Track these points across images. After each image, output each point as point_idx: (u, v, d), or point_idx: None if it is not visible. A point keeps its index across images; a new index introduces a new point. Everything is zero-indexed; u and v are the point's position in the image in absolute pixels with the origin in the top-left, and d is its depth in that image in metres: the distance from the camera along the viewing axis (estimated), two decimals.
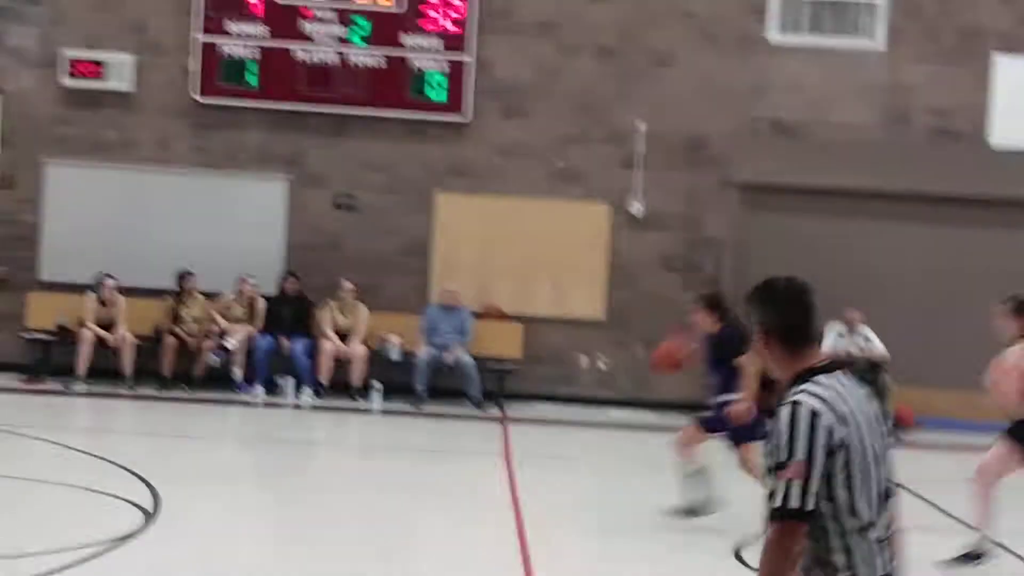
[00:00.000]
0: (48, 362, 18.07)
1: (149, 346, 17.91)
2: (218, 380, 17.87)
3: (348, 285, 18.21)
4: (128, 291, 18.09)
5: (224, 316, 18.19)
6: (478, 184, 18.93)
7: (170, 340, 17.92)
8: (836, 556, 4.43)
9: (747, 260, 18.70)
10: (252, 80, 18.68)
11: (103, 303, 17.95)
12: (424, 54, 18.71)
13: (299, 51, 18.69)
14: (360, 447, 15.99)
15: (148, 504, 10.76)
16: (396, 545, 10.53)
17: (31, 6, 18.78)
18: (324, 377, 17.92)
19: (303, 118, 18.83)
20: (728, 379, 11.20)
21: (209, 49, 18.66)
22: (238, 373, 17.92)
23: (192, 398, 17.41)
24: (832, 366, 4.59)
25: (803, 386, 4.50)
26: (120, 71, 18.68)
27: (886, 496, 4.51)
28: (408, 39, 18.71)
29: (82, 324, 17.85)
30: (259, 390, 17.72)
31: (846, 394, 4.51)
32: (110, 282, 17.92)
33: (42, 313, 18.31)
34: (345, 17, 18.72)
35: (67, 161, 18.73)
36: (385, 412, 17.38)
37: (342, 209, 18.97)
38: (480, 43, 18.84)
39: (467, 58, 18.76)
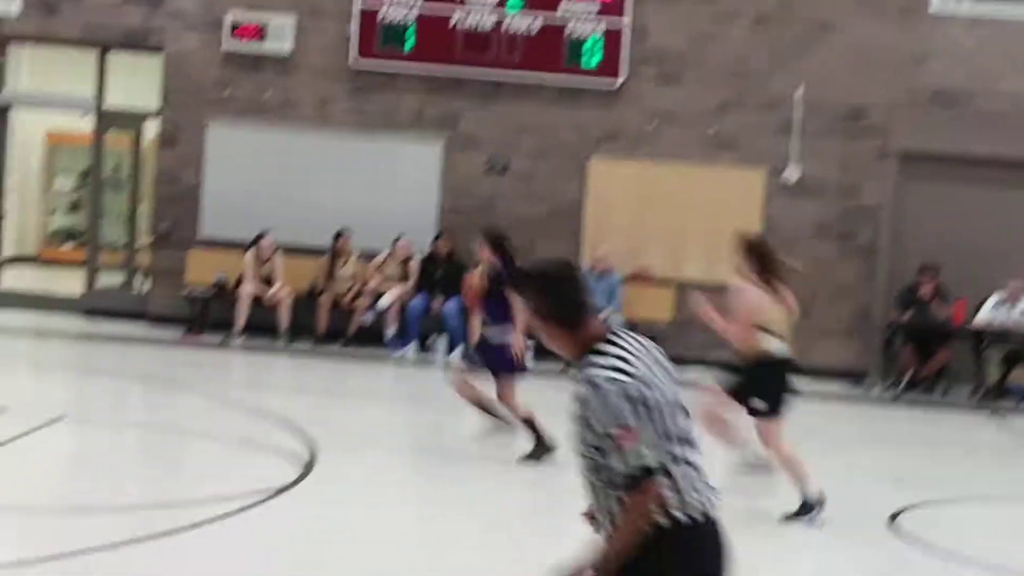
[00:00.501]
0: (207, 317, 18.47)
1: (305, 303, 18.23)
2: (371, 338, 18.13)
3: None
4: (285, 249, 18.42)
5: (378, 275, 18.44)
6: (631, 150, 18.92)
7: (324, 298, 18.23)
8: (670, 496, 4.58)
9: (904, 229, 18.47)
10: (409, 44, 18.85)
11: (261, 261, 18.30)
12: (580, 20, 18.72)
13: (455, 15, 18.81)
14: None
15: (301, 459, 10.98)
16: (540, 508, 10.63)
17: None
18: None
19: (458, 82, 18.97)
20: (505, 314, 11.55)
21: (368, 14, 18.86)
22: (390, 332, 18.16)
23: (345, 355, 17.68)
24: (614, 332, 4.73)
25: (597, 360, 4.63)
26: (280, 34, 18.96)
27: (692, 437, 4.70)
28: (565, 4, 18.73)
29: (240, 281, 18.22)
30: (411, 349, 17.94)
31: (637, 352, 4.68)
32: (268, 240, 18.26)
33: (202, 269, 18.71)
34: None
35: (228, 121, 19.08)
36: (539, 373, 17.47)
37: (495, 172, 19.09)
38: (636, 9, 18.79)
39: (623, 24, 18.73)
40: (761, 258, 10.30)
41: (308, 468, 10.74)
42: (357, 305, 18.24)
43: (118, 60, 19.63)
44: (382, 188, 18.89)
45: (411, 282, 18.46)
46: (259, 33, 18.95)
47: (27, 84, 21.05)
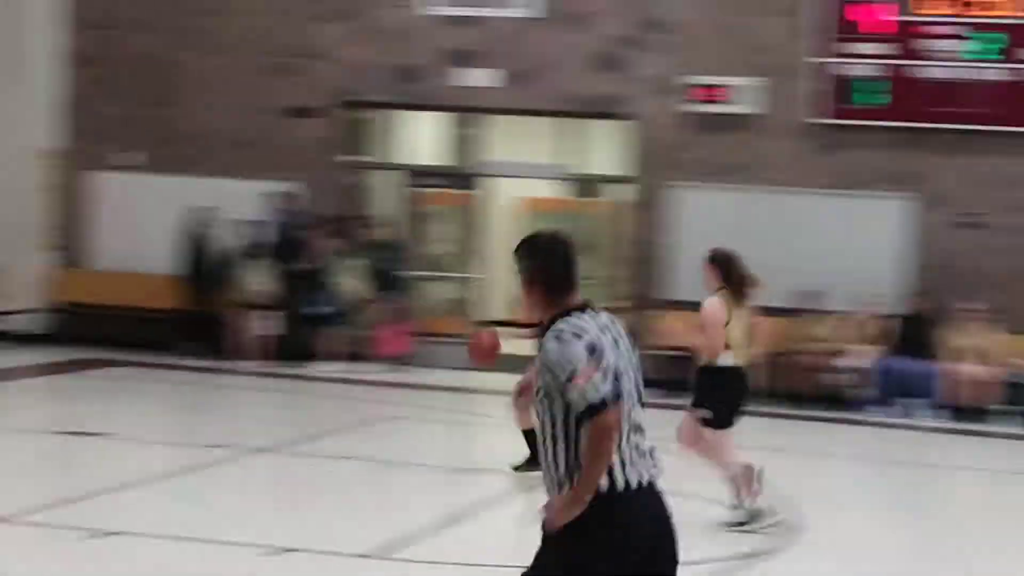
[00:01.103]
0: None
1: (779, 363, 18.14)
2: (844, 399, 17.85)
3: (976, 306, 17.75)
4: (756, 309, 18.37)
5: (850, 335, 18.17)
6: None
7: (797, 358, 18.08)
8: (613, 460, 5.00)
9: None
10: (877, 99, 18.58)
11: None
12: None
13: (925, 68, 18.44)
14: (989, 472, 15.50)
15: (789, 520, 10.89)
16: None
17: (661, 35, 19.46)
18: (952, 399, 17.56)
19: (926, 135, 18.56)
20: None
21: (831, 70, 18.71)
22: (864, 393, 17.84)
23: (819, 416, 17.48)
24: (583, 306, 5.22)
25: (562, 322, 5.14)
26: (744, 95, 19.05)
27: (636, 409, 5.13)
28: None
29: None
30: (885, 410, 17.58)
31: (600, 326, 5.17)
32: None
33: (673, 331, 18.88)
34: (971, 30, 18.29)
35: (692, 183, 19.27)
36: (1015, 436, 16.83)
37: (967, 227, 18.54)
38: None
39: None
40: (726, 270, 10.61)
41: (793, 528, 10.66)
42: (830, 365, 18.02)
43: (590, 127, 20.16)
44: (851, 246, 18.63)
45: (884, 343, 18.10)
46: (722, 95, 19.10)
47: (503, 153, 21.87)
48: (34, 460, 12.68)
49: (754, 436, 16.95)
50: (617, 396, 5.00)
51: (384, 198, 21.76)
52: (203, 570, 8.73)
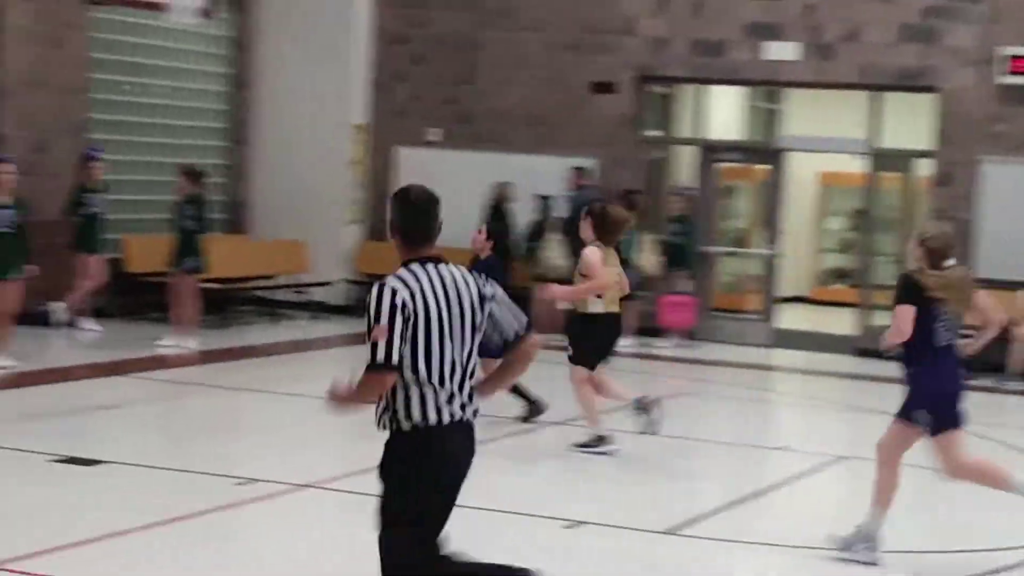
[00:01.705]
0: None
1: None
2: None
3: None
4: None
5: None
6: None
7: None
8: (398, 402, 5.80)
9: None
10: None
11: None
12: None
13: None
14: None
15: None
16: None
17: (972, 4, 18.89)
18: None
19: None
20: None
21: None
22: None
23: None
24: (431, 259, 5.86)
25: (396, 271, 5.82)
26: None
27: (459, 366, 5.82)
28: None
29: (1016, 322, 17.72)
30: None
31: (427, 278, 5.81)
32: None
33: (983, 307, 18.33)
34: None
35: (1001, 158, 18.68)
36: None
37: None
38: None
39: None
40: (601, 224, 11.57)
41: None
42: None
43: (891, 100, 19.73)
44: None
45: None
46: None
47: (802, 127, 21.58)
48: (340, 429, 13.09)
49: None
50: (392, 367, 5.68)
51: (683, 173, 21.74)
52: (511, 540, 8.90)
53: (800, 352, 19.97)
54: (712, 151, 20.92)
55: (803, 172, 24.53)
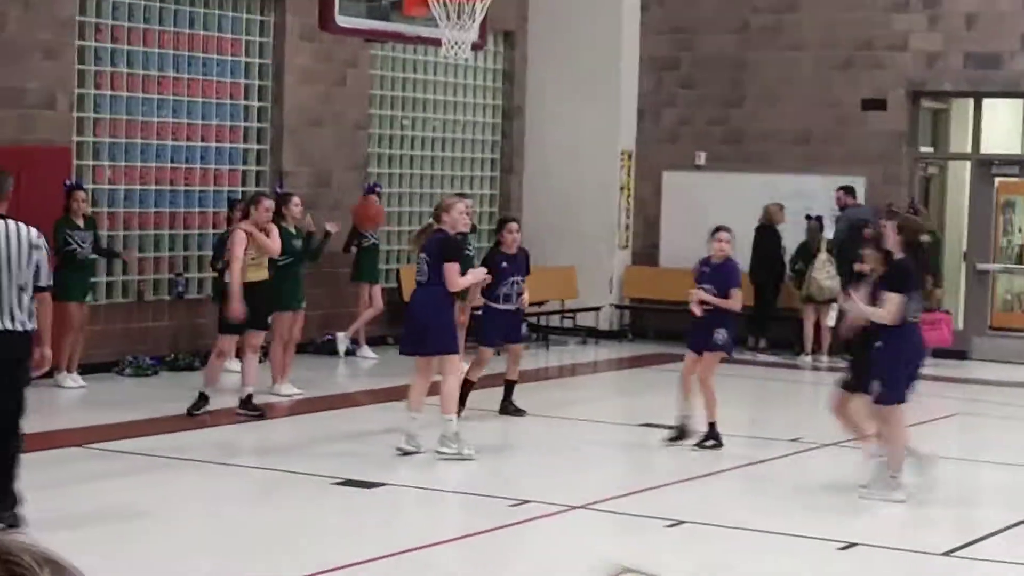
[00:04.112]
0: None
1: None
2: None
3: None
4: None
5: None
6: None
7: None
8: None
9: None
10: None
11: None
12: None
13: None
14: None
15: None
16: None
17: None
18: None
19: None
20: None
21: None
22: None
23: None
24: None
25: None
26: None
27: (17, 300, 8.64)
28: None
29: None
30: None
31: None
32: None
33: None
34: None
35: None
36: None
37: None
38: None
39: None
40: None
41: None
42: None
43: None
44: None
45: None
46: None
47: None
48: (611, 451, 13.22)
49: None
50: None
51: (956, 190, 21.27)
52: (778, 566, 8.87)
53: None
54: (988, 165, 20.40)
55: None
